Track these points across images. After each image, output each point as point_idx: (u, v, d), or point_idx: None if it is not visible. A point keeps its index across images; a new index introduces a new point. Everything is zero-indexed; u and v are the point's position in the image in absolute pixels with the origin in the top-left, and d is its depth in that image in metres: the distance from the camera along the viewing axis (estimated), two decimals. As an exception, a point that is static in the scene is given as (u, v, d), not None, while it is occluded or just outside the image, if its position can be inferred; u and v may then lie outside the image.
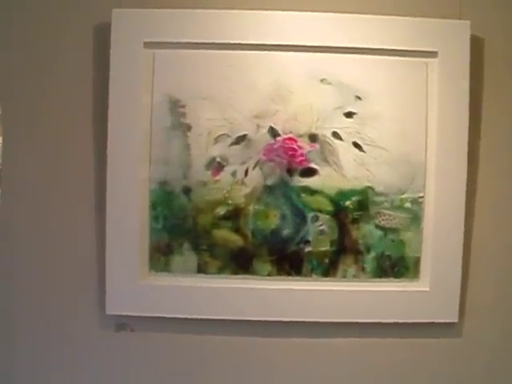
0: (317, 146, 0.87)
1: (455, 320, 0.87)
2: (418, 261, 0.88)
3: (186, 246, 0.87)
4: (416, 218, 0.88)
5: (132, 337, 0.88)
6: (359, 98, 0.87)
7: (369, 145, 0.87)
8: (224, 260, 0.87)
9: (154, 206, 0.87)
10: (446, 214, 0.87)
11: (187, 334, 0.88)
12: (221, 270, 0.87)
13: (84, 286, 0.87)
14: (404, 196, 0.87)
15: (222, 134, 0.87)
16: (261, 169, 0.87)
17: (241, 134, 0.86)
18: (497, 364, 0.89)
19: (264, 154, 0.87)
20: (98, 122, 0.86)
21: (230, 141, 0.87)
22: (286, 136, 0.87)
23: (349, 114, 0.87)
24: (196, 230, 0.87)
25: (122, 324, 0.88)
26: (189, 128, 0.87)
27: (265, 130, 0.86)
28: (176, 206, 0.87)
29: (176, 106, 0.87)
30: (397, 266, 0.88)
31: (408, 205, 0.87)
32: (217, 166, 0.87)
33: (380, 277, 0.88)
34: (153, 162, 0.87)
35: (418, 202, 0.87)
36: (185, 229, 0.87)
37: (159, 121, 0.87)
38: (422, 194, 0.87)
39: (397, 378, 0.88)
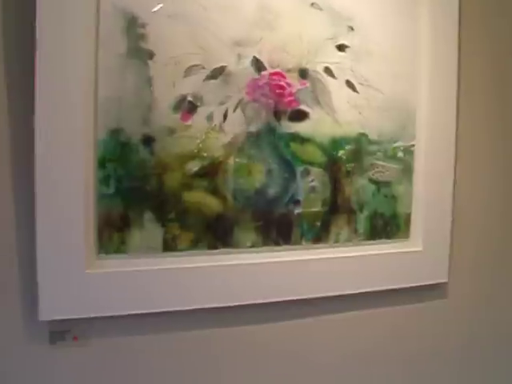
0: (307, 83, 1.07)
1: (446, 280, 1.23)
2: (408, 218, 1.19)
3: (148, 216, 0.97)
4: (408, 170, 1.18)
5: (75, 348, 0.93)
6: (352, 28, 1.10)
7: (362, 84, 1.12)
8: (198, 231, 1.01)
9: (102, 162, 0.93)
10: (436, 166, 1.20)
11: (155, 334, 0.99)
12: (194, 245, 1.01)
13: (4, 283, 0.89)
14: (396, 144, 1.16)
15: (195, 65, 0.98)
16: (243, 111, 1.03)
17: (218, 65, 0.99)
18: (480, 322, 1.29)
19: (247, 93, 1.03)
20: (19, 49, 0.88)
21: (204, 74, 0.99)
22: (272, 70, 1.04)
23: (341, 47, 1.10)
24: (161, 194, 0.97)
25: (61, 332, 0.93)
26: (150, 55, 0.95)
27: (248, 62, 1.02)
28: (133, 161, 0.95)
29: (133, 26, 0.94)
30: (389, 225, 1.17)
31: (400, 154, 1.17)
32: (188, 106, 0.98)
33: (373, 238, 1.16)
34: (100, 102, 0.93)
35: (409, 151, 1.18)
36: (146, 193, 0.96)
37: (109, 45, 0.92)
38: (413, 143, 1.18)
39: (392, 347, 1.20)
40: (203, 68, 0.99)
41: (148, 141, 0.96)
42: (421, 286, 1.20)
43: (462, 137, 1.24)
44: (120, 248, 0.96)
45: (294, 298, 1.08)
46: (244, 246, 1.04)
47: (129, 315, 0.96)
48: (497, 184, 1.33)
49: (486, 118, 1.30)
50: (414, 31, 1.17)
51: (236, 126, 1.02)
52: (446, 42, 1.19)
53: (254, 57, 1.02)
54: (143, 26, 0.94)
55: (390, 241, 1.17)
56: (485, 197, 1.31)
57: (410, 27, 1.16)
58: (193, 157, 0.99)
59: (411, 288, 1.19)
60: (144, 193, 0.96)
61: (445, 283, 1.24)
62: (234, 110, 1.01)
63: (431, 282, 1.22)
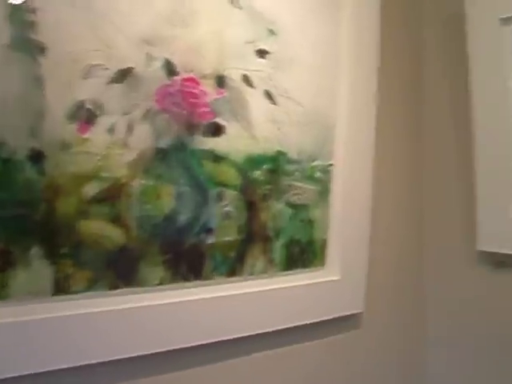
0: (225, 92, 1.05)
1: (362, 310, 1.27)
2: (325, 244, 1.22)
3: (35, 251, 0.87)
4: (325, 192, 1.21)
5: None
6: (273, 32, 1.10)
7: (282, 96, 1.12)
8: (96, 269, 0.93)
9: (-24, 184, 0.83)
10: (353, 187, 1.24)
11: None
12: (91, 285, 0.92)
13: None
14: (315, 163, 1.19)
15: (96, 65, 0.90)
16: (152, 123, 0.97)
17: (124, 66, 0.93)
18: (393, 352, 1.37)
19: (157, 101, 0.97)
20: None
21: (107, 76, 0.91)
22: (186, 75, 1.00)
23: (261, 53, 1.09)
24: (51, 224, 0.88)
25: None
26: (42, 50, 0.86)
27: (158, 64, 0.97)
28: (18, 183, 0.85)
29: (20, 10, 0.84)
30: (305, 252, 1.19)
31: (318, 174, 1.19)
32: (86, 115, 0.90)
33: (289, 268, 1.16)
34: (-25, 106, 0.82)
35: (327, 171, 1.21)
36: (33, 222, 0.86)
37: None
38: (331, 162, 1.21)
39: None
40: (106, 69, 0.91)
41: (37, 157, 0.86)
42: (337, 317, 1.24)
43: (381, 157, 1.31)
44: (0, 293, 0.87)
45: (204, 341, 1.05)
46: (151, 283, 0.98)
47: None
48: (414, 209, 1.44)
49: (406, 137, 1.40)
50: (335, 39, 1.20)
51: (143, 140, 0.95)
52: (366, 54, 1.25)
53: (166, 59, 0.97)
54: (33, 11, 0.85)
55: (306, 270, 1.19)
56: (403, 220, 1.41)
57: (331, 35, 1.20)
58: (91, 178, 0.91)
59: (328, 320, 1.22)
60: (30, 222, 0.86)
61: (360, 313, 1.30)
62: (141, 122, 0.96)
63: (347, 313, 1.26)
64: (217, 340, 1.06)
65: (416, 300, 1.46)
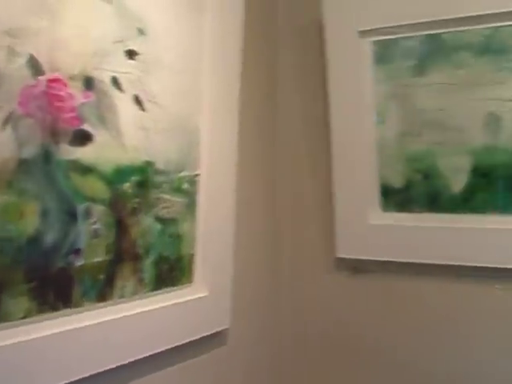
0: (92, 96, 0.94)
1: (227, 326, 1.23)
2: (192, 260, 1.16)
3: None
4: (192, 204, 1.16)
5: None
6: (142, 31, 1.02)
7: (150, 101, 1.04)
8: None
9: None
10: (217, 199, 1.20)
11: None
12: None
13: None
14: (182, 174, 1.13)
15: None
16: (14, 129, 0.83)
17: (-17, 60, 0.79)
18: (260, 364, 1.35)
19: (20, 104, 0.83)
20: None
21: (-40, 72, 0.77)
22: (52, 75, 0.87)
23: (131, 54, 1.00)
24: None
25: None
26: None
27: (22, 61, 0.83)
28: None
29: None
30: (174, 269, 1.12)
31: (186, 186, 1.14)
32: None
33: (159, 288, 1.09)
34: None
35: (193, 181, 1.15)
36: None
37: None
38: (197, 172, 1.16)
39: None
40: (-41, 63, 0.78)
41: None
42: (205, 336, 1.19)
43: (243, 167, 1.29)
44: None
45: (74, 378, 0.93)
46: (15, 317, 0.85)
47: None
48: (272, 219, 1.45)
49: (262, 147, 1.40)
50: (199, 43, 1.16)
51: (4, 149, 0.83)
52: (229, 59, 1.22)
53: (31, 55, 0.85)
54: None
55: (175, 288, 1.13)
56: (263, 231, 1.42)
57: (195, 38, 1.15)
58: None
59: (196, 340, 1.17)
60: None
61: (226, 329, 1.26)
62: (2, 128, 0.83)
63: (216, 330, 1.22)
64: (87, 375, 0.96)
65: (277, 310, 1.48)
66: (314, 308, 1.46)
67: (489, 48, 1.25)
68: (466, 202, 1.27)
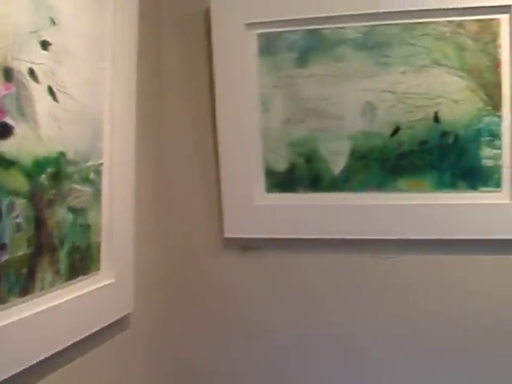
0: (13, 88, 0.91)
1: (130, 311, 1.27)
2: (99, 247, 1.18)
3: None
4: (98, 193, 1.18)
5: None
6: (54, 21, 1.02)
7: (61, 92, 1.04)
8: None
9: None
10: (118, 186, 1.23)
11: None
12: None
13: None
14: (89, 164, 1.14)
15: None
16: None
17: None
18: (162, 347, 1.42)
19: None
20: None
21: None
22: (-26, 66, 0.84)
23: (44, 44, 0.99)
24: None
25: None
26: None
27: None
28: None
29: None
30: (85, 258, 1.13)
31: (92, 176, 1.15)
32: None
33: (73, 278, 1.10)
34: None
35: (98, 171, 1.18)
36: None
37: None
38: (102, 161, 1.17)
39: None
40: None
41: None
42: (112, 322, 1.23)
43: (142, 155, 1.34)
44: None
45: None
46: None
47: None
48: (163, 203, 1.52)
49: (148, 133, 1.44)
50: (101, 34, 1.17)
51: None
52: (126, 51, 1.25)
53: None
54: None
55: (86, 277, 1.15)
56: (158, 215, 1.49)
57: (98, 29, 1.16)
58: None
59: (105, 326, 1.20)
60: None
61: (129, 314, 1.31)
62: None
63: (121, 316, 1.27)
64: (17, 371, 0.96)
65: (173, 293, 1.55)
66: (208, 287, 1.55)
67: (366, 44, 1.40)
68: (345, 182, 1.43)
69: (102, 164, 1.19)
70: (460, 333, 1.43)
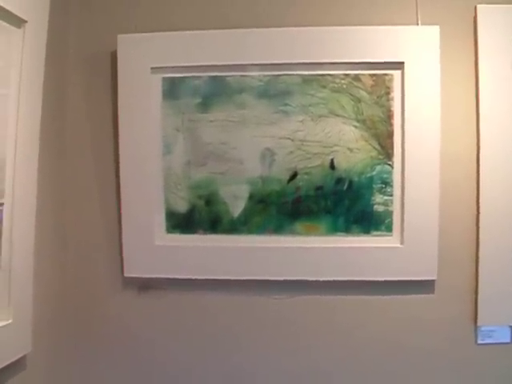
0: None
1: (28, 351, 1.35)
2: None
3: None
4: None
5: None
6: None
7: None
8: None
9: None
10: (21, 225, 1.34)
11: None
12: None
13: None
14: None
15: None
16: None
17: None
18: None
19: None
20: None
21: None
22: None
23: None
24: None
25: None
26: None
27: None
28: None
29: None
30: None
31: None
32: None
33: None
34: None
35: (-1, 210, 1.27)
36: None
37: None
38: (2, 201, 1.27)
39: None
40: None
41: None
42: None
43: (44, 194, 1.44)
44: None
45: None
46: None
47: None
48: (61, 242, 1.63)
49: (49, 172, 1.56)
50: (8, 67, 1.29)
51: None
52: (31, 84, 1.35)
53: None
54: None
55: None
56: (55, 254, 1.58)
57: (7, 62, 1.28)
58: None
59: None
60: None
61: (26, 355, 1.40)
62: None
63: (19, 356, 1.36)
64: None
65: (71, 332, 1.66)
66: (107, 326, 1.67)
67: (267, 92, 1.58)
68: (243, 225, 1.60)
69: (2, 204, 1.31)
70: (350, 372, 1.63)
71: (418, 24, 1.59)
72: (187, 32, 1.60)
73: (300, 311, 1.63)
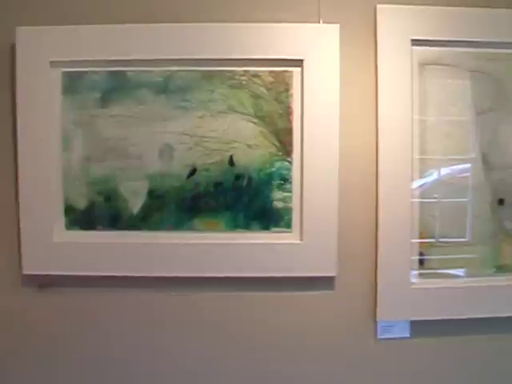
0: None
1: None
2: None
3: None
4: None
5: None
6: None
7: None
8: None
9: None
10: None
11: None
12: None
13: None
14: None
15: None
16: None
17: None
18: None
19: None
20: None
21: None
22: None
23: None
24: None
25: None
26: None
27: None
28: None
29: None
30: None
31: None
32: None
33: None
34: None
35: None
36: None
37: None
38: None
39: None
40: None
41: None
42: None
43: None
44: None
45: None
46: None
47: None
48: None
49: None
50: None
51: None
52: None
53: None
54: None
55: None
56: None
57: None
58: None
59: None
60: None
61: None
62: None
63: None
64: None
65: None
66: (7, 323, 1.68)
67: (167, 88, 1.62)
68: (143, 221, 1.63)
69: None
70: (247, 368, 1.69)
71: (319, 22, 1.64)
72: (87, 26, 1.63)
73: (199, 307, 1.68)
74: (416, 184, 1.68)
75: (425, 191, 1.70)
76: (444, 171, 1.72)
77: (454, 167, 1.73)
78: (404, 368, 1.71)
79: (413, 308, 1.67)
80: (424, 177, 1.70)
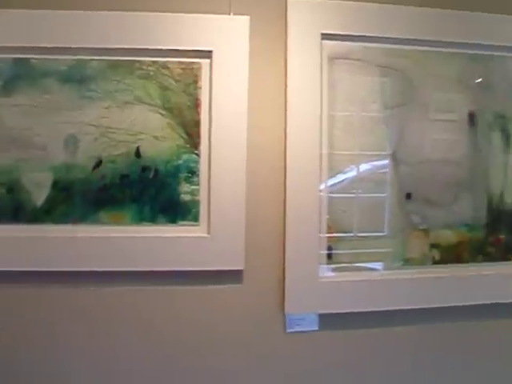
0: None
1: None
2: None
3: None
4: None
5: None
6: None
7: None
8: None
9: None
10: None
11: None
12: None
13: None
14: None
15: None
16: None
17: None
18: None
19: None
20: None
21: None
22: None
23: None
24: None
25: None
26: None
27: None
28: None
29: None
30: None
31: None
32: None
33: None
34: None
35: None
36: None
37: None
38: None
39: None
40: None
41: None
42: None
43: None
44: None
45: None
46: None
47: None
48: None
49: None
50: None
51: None
52: None
53: None
54: None
55: None
56: None
57: None
58: None
59: None
60: None
61: None
62: None
63: None
64: None
65: None
66: None
67: (72, 77, 1.59)
68: (47, 214, 1.59)
69: None
70: (155, 364, 1.67)
71: (230, 14, 1.65)
72: (-10, 11, 1.62)
73: (107, 302, 1.65)
74: (333, 180, 1.71)
75: (344, 187, 1.72)
76: (363, 167, 1.75)
77: (375, 163, 1.76)
78: (313, 361, 1.73)
79: (321, 301, 1.69)
80: (341, 172, 1.72)
